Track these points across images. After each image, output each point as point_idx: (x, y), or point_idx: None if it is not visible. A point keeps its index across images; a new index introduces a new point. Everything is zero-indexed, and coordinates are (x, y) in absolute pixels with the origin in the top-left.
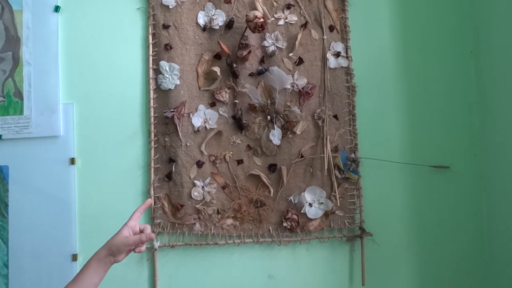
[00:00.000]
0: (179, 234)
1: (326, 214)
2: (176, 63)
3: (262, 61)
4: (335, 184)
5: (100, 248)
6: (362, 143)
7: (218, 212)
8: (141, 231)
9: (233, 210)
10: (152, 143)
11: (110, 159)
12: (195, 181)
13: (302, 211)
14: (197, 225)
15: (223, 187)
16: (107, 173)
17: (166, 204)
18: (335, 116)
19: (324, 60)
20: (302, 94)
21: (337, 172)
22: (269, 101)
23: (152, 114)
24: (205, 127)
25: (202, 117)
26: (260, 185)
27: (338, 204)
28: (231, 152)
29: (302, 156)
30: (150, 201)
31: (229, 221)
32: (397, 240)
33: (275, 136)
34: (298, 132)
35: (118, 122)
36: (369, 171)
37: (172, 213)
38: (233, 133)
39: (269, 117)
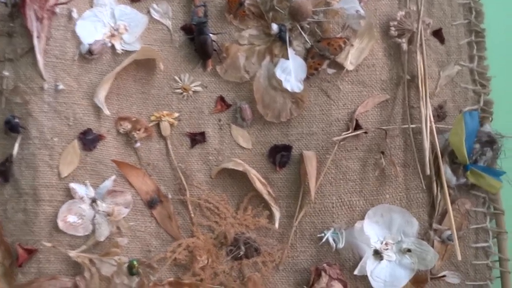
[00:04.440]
0: None
1: (420, 280)
2: None
3: None
4: (447, 202)
5: None
6: (500, 101)
7: (131, 271)
8: None
9: (173, 265)
10: None
11: None
12: (73, 186)
13: (356, 272)
14: None
15: (150, 203)
16: None
17: None
18: (437, 34)
19: None
20: None
21: (448, 171)
22: None
23: None
24: (112, 47)
25: (106, 20)
26: (248, 198)
27: (459, 257)
28: (177, 114)
29: (358, 127)
30: None
31: None
32: None
33: (290, 73)
34: (349, 66)
35: None
36: None
37: (5, 271)
38: (185, 67)
39: (275, 27)
